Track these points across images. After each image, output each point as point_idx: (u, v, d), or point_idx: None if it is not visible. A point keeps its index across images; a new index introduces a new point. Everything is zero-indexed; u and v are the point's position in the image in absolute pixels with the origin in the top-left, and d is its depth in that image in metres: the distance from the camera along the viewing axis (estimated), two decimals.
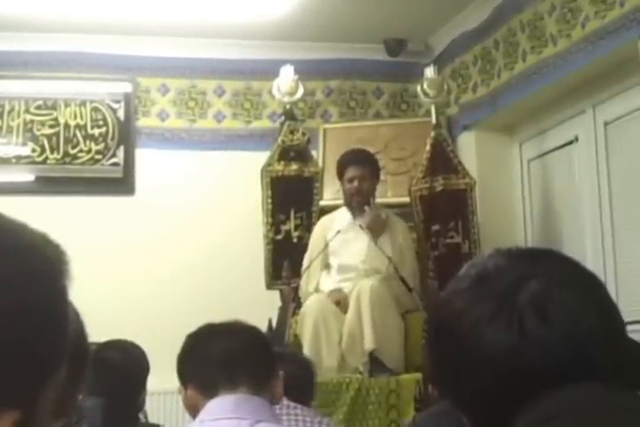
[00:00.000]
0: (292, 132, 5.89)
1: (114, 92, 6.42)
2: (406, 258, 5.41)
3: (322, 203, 5.90)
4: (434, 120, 5.81)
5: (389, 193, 6.07)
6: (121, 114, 6.40)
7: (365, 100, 6.76)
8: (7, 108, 6.26)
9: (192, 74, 6.51)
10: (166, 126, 6.49)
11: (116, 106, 6.40)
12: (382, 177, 5.78)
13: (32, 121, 6.29)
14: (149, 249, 6.22)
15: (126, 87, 6.42)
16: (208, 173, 6.40)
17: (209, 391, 2.13)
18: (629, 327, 1.10)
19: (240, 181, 6.22)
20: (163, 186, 6.36)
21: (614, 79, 4.97)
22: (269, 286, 5.70)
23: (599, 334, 1.02)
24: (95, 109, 6.37)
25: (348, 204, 5.48)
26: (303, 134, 5.91)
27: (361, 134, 6.30)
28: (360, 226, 5.33)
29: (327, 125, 6.52)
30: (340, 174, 5.51)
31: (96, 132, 6.35)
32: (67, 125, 6.32)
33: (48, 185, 6.27)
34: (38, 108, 6.31)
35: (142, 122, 6.45)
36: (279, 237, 5.75)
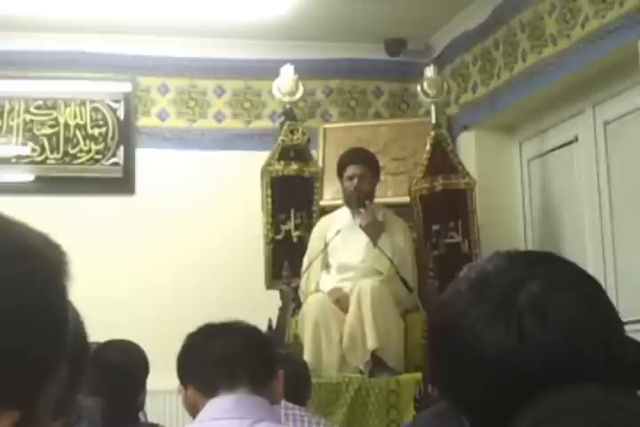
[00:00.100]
0: (292, 132, 5.89)
1: (114, 92, 6.42)
2: (406, 258, 5.41)
3: (322, 203, 5.90)
4: (434, 120, 5.82)
5: (389, 193, 6.07)
6: (121, 114, 6.40)
7: (365, 100, 6.76)
8: (7, 107, 6.26)
9: (192, 73, 6.51)
10: (166, 126, 6.49)
11: (115, 106, 6.40)
12: (382, 177, 5.78)
13: (32, 121, 6.29)
14: (149, 249, 6.22)
15: (126, 87, 6.43)
16: (208, 172, 6.40)
17: (209, 391, 2.13)
18: (629, 327, 1.10)
19: (240, 180, 6.22)
20: (163, 186, 6.36)
21: (614, 79, 4.97)
22: (269, 286, 5.70)
23: (598, 335, 1.03)
24: (95, 109, 6.37)
25: (348, 202, 5.48)
26: (303, 134, 5.91)
27: (361, 134, 6.30)
28: (360, 225, 5.33)
29: (327, 125, 6.52)
30: (340, 173, 5.51)
31: (96, 131, 6.35)
32: (67, 125, 6.32)
33: (48, 185, 6.27)
34: (38, 107, 6.31)
35: (142, 122, 6.46)
36: (279, 236, 5.75)
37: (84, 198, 6.25)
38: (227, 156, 6.44)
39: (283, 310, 5.38)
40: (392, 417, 4.94)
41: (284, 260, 5.63)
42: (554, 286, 1.05)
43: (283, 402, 2.92)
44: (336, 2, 5.88)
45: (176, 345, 2.27)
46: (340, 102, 6.72)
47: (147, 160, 6.39)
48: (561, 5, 5.08)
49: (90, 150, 6.34)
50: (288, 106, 6.02)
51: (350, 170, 5.45)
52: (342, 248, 5.39)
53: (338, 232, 5.34)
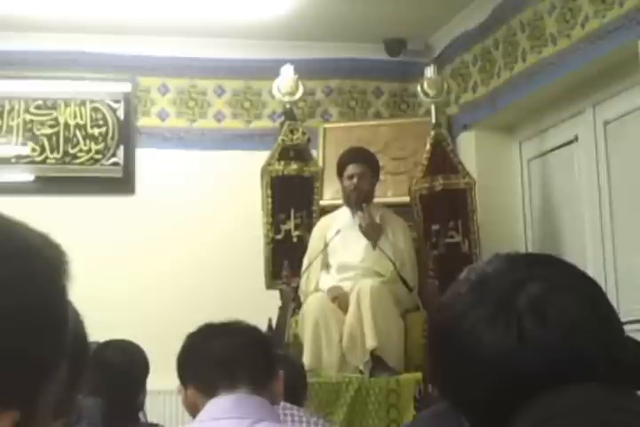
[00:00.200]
0: (291, 132, 5.89)
1: (114, 92, 6.42)
2: (406, 257, 5.41)
3: (322, 202, 5.90)
4: (434, 120, 5.82)
5: (389, 193, 6.07)
6: (121, 113, 6.40)
7: (365, 100, 6.76)
8: (7, 107, 6.26)
9: (192, 73, 6.51)
10: (166, 126, 6.49)
11: (115, 105, 6.40)
12: (382, 177, 5.78)
13: (32, 121, 6.29)
14: (149, 249, 6.23)
15: (126, 87, 6.43)
16: (208, 172, 6.41)
17: (209, 391, 2.13)
18: (629, 327, 1.10)
19: (240, 180, 6.22)
20: (163, 186, 6.36)
21: (614, 79, 4.97)
22: (269, 286, 5.70)
23: (598, 336, 1.03)
24: (95, 109, 6.37)
25: (347, 201, 5.48)
26: (303, 134, 5.91)
27: (361, 134, 6.30)
28: (359, 228, 5.33)
29: (327, 125, 6.52)
30: (340, 172, 5.51)
31: (96, 131, 6.35)
32: (66, 125, 6.32)
33: (48, 185, 6.27)
34: (38, 107, 6.31)
35: (142, 122, 6.46)
36: (279, 236, 5.75)
37: (84, 198, 6.25)
38: (227, 156, 6.44)
39: (283, 309, 5.38)
40: (392, 417, 4.94)
41: (284, 260, 5.63)
42: (554, 288, 1.05)
43: (281, 402, 2.92)
44: (336, 2, 5.88)
45: (176, 345, 2.27)
46: (340, 102, 6.72)
47: (147, 160, 6.39)
48: (561, 5, 5.08)
49: (90, 150, 6.34)
50: (288, 106, 6.02)
51: (350, 169, 5.45)
52: (342, 248, 5.39)
53: (338, 232, 5.34)
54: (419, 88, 5.89)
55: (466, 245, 5.59)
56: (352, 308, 5.14)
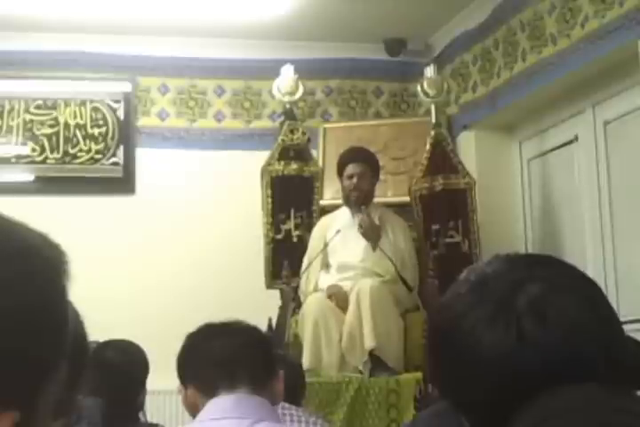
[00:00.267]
0: (291, 132, 5.89)
1: (114, 92, 6.42)
2: (407, 257, 5.42)
3: (322, 202, 5.90)
4: (434, 120, 5.82)
5: (389, 193, 6.07)
6: (121, 113, 6.40)
7: (365, 100, 6.76)
8: (7, 107, 6.26)
9: (192, 73, 6.51)
10: (166, 126, 6.50)
11: (115, 105, 6.40)
12: (382, 177, 5.78)
13: (32, 121, 6.29)
14: (149, 248, 6.23)
15: (126, 87, 6.43)
16: (208, 172, 6.41)
17: (209, 391, 2.13)
18: (629, 327, 1.10)
19: (240, 180, 6.22)
20: (163, 185, 6.36)
21: (614, 79, 4.97)
22: (269, 286, 5.70)
23: (597, 337, 1.03)
24: (95, 109, 6.37)
25: (347, 201, 5.48)
26: (303, 134, 5.91)
27: (361, 134, 6.30)
28: (359, 230, 5.32)
29: (327, 125, 6.52)
30: (340, 172, 5.52)
31: (96, 131, 6.35)
32: (66, 125, 6.32)
33: (48, 185, 6.27)
34: (38, 107, 6.31)
35: (142, 121, 6.46)
36: (279, 236, 5.75)
37: (84, 198, 6.25)
38: (227, 155, 6.45)
39: (283, 309, 5.38)
40: (392, 417, 4.95)
41: (284, 259, 5.64)
42: (554, 289, 1.05)
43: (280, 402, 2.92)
44: (336, 2, 5.88)
45: (176, 345, 2.27)
46: (340, 102, 6.72)
47: (147, 160, 6.39)
48: (561, 5, 5.08)
49: (90, 150, 6.34)
50: (288, 106, 6.02)
51: (350, 169, 5.45)
52: (342, 248, 5.39)
53: (338, 232, 5.34)
54: (419, 88, 5.90)
55: (466, 245, 5.59)
56: (352, 308, 5.14)
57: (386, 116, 6.74)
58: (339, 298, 5.22)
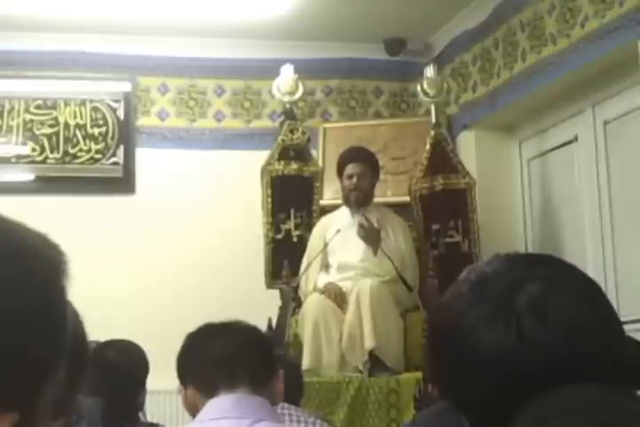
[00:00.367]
0: (291, 132, 5.89)
1: (113, 92, 6.42)
2: (407, 257, 5.42)
3: (322, 202, 5.90)
4: (433, 119, 5.82)
5: (389, 192, 6.07)
6: (121, 113, 6.40)
7: (365, 100, 6.76)
8: (7, 107, 6.26)
9: (192, 73, 6.51)
10: (166, 126, 6.49)
11: (115, 105, 6.40)
12: (382, 176, 5.79)
13: (32, 120, 6.29)
14: (149, 248, 6.23)
15: (126, 87, 6.43)
16: (208, 172, 6.41)
17: (209, 391, 2.13)
18: (629, 327, 1.10)
19: (240, 180, 6.22)
20: (163, 185, 6.36)
21: (614, 79, 4.97)
22: (269, 286, 5.70)
23: (598, 337, 1.02)
24: (95, 109, 6.37)
25: (347, 200, 5.49)
26: (303, 134, 5.91)
27: (361, 134, 6.30)
28: (359, 231, 5.31)
29: (327, 125, 6.52)
30: (340, 171, 5.52)
31: (96, 131, 6.35)
32: (66, 125, 6.32)
33: (48, 185, 6.27)
34: (38, 107, 6.31)
35: (142, 121, 6.46)
36: (279, 236, 5.75)
37: (84, 198, 6.25)
38: (227, 155, 6.44)
39: (283, 309, 5.38)
40: (392, 416, 4.95)
41: (284, 259, 5.64)
42: (554, 288, 1.05)
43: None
44: (336, 2, 5.88)
45: (176, 345, 2.27)
46: (339, 102, 6.72)
47: (147, 160, 6.39)
48: (561, 5, 5.09)
49: (90, 150, 6.34)
50: (288, 105, 6.02)
51: (350, 168, 5.46)
52: (342, 248, 5.40)
53: (338, 232, 5.34)
54: (418, 88, 5.90)
55: (466, 245, 5.59)
56: (352, 308, 5.14)
57: (386, 115, 6.74)
58: (333, 293, 5.22)
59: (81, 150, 6.33)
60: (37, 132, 6.29)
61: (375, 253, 5.29)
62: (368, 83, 6.76)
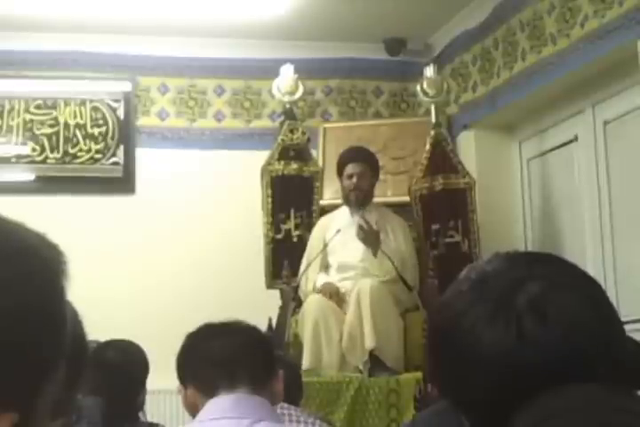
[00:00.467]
0: (291, 132, 5.89)
1: (113, 92, 6.42)
2: (407, 257, 5.42)
3: (322, 202, 5.90)
4: (433, 119, 5.82)
5: (389, 192, 6.07)
6: (121, 113, 6.40)
7: (365, 100, 6.76)
8: (7, 107, 6.26)
9: (192, 73, 6.51)
10: (166, 126, 6.49)
11: (115, 105, 6.40)
12: (382, 176, 5.79)
13: (32, 120, 6.29)
14: (149, 248, 6.23)
15: (126, 86, 6.43)
16: (208, 172, 6.41)
17: (209, 391, 2.13)
18: (629, 327, 1.10)
19: (240, 180, 6.22)
20: (163, 185, 6.36)
21: (614, 78, 4.97)
22: (269, 286, 5.70)
23: (598, 336, 1.02)
24: (95, 109, 6.37)
25: (347, 200, 5.49)
26: (303, 133, 5.91)
27: (361, 134, 6.30)
28: (358, 233, 5.31)
29: (327, 125, 6.52)
30: (340, 171, 5.52)
31: (96, 131, 6.35)
32: (66, 125, 6.32)
33: (48, 184, 6.27)
34: (38, 107, 6.31)
35: (142, 121, 6.46)
36: (279, 236, 5.75)
37: (84, 198, 6.25)
38: (227, 155, 6.44)
39: (283, 309, 5.38)
40: (392, 416, 4.95)
41: (284, 259, 5.64)
42: (554, 287, 1.04)
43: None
44: (336, 1, 5.88)
45: (176, 345, 2.27)
46: (339, 102, 6.72)
47: (147, 160, 6.39)
48: (560, 5, 5.09)
49: (90, 150, 6.34)
50: (288, 105, 6.02)
51: (350, 168, 5.46)
52: (341, 248, 5.40)
53: (338, 232, 5.34)
54: (418, 88, 5.90)
55: (466, 245, 5.59)
56: (352, 307, 5.15)
57: (386, 115, 6.74)
58: (329, 292, 5.22)
59: (81, 150, 6.33)
60: (37, 132, 6.29)
61: (375, 254, 5.29)
62: (368, 83, 6.76)
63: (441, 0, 5.91)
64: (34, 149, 6.27)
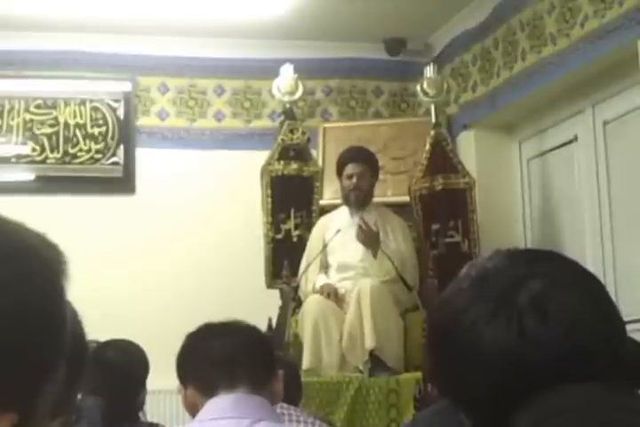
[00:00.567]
0: (291, 132, 5.89)
1: (113, 92, 6.42)
2: (406, 257, 5.42)
3: (322, 202, 5.90)
4: (433, 119, 5.82)
5: (389, 192, 6.07)
6: (121, 113, 6.40)
7: (365, 100, 6.76)
8: (7, 107, 6.26)
9: (192, 73, 6.51)
10: (166, 125, 6.49)
11: (115, 105, 6.40)
12: (382, 176, 5.79)
13: (32, 120, 6.29)
14: (149, 248, 6.23)
15: (126, 86, 6.43)
16: (208, 172, 6.40)
17: (208, 391, 2.13)
18: (629, 327, 1.10)
19: (240, 180, 6.22)
20: (163, 185, 6.36)
21: (613, 78, 4.97)
22: (269, 286, 5.70)
23: (599, 333, 1.02)
24: (95, 109, 6.37)
25: (346, 200, 5.49)
26: (303, 133, 5.91)
27: (361, 134, 6.30)
28: (358, 235, 5.30)
29: (327, 125, 6.52)
30: (340, 171, 5.52)
31: (96, 131, 6.35)
32: (66, 125, 6.32)
33: (48, 184, 6.27)
34: (38, 107, 6.31)
35: (142, 121, 6.46)
36: (279, 236, 5.75)
37: (84, 198, 6.25)
38: (227, 155, 6.44)
39: (283, 309, 5.38)
40: (392, 416, 4.95)
41: (284, 259, 5.63)
42: (555, 284, 1.04)
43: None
44: (336, 1, 5.88)
45: (176, 345, 2.27)
46: (339, 102, 6.72)
47: (147, 160, 6.39)
48: (560, 5, 5.09)
49: (90, 150, 6.34)
50: (288, 105, 6.02)
51: (349, 168, 5.46)
52: (341, 248, 5.40)
53: (338, 232, 5.34)
54: (418, 88, 5.90)
55: (466, 245, 5.59)
56: (352, 307, 5.15)
57: (386, 115, 6.74)
58: (327, 292, 5.23)
59: (81, 150, 6.33)
60: (37, 132, 6.29)
61: (375, 256, 5.29)
62: (368, 83, 6.76)
63: (441, 0, 5.91)
64: (34, 149, 6.27)
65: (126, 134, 6.38)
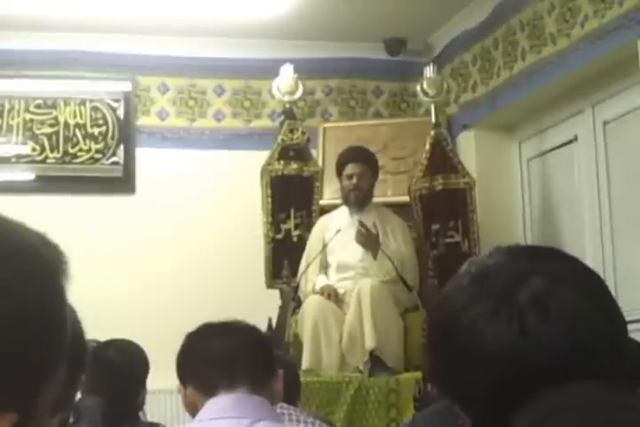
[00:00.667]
0: (291, 132, 5.89)
1: (113, 91, 6.42)
2: (406, 257, 5.42)
3: (322, 202, 5.90)
4: (433, 119, 5.82)
5: (389, 192, 6.07)
6: (121, 113, 6.40)
7: (365, 100, 6.76)
8: (7, 107, 6.26)
9: (192, 73, 6.51)
10: (166, 125, 6.49)
11: (115, 105, 6.40)
12: (382, 176, 5.79)
13: (32, 120, 6.29)
14: (149, 248, 6.22)
15: (126, 86, 6.43)
16: (208, 172, 6.40)
17: (208, 391, 2.13)
18: (629, 326, 1.10)
19: (240, 180, 6.22)
20: (163, 185, 6.36)
21: (613, 78, 4.97)
22: (269, 285, 5.70)
23: (600, 331, 1.02)
24: (95, 108, 6.37)
25: (346, 200, 5.49)
26: (303, 133, 5.91)
27: (360, 133, 6.30)
28: (357, 237, 5.30)
29: (327, 124, 6.52)
30: (339, 171, 5.52)
31: (96, 131, 6.35)
32: (66, 124, 6.32)
33: (48, 184, 6.27)
34: (38, 107, 6.31)
35: (142, 121, 6.46)
36: (279, 236, 5.75)
37: (84, 198, 6.25)
38: (227, 155, 6.44)
39: (283, 309, 5.38)
40: (392, 416, 4.95)
41: (284, 259, 5.64)
42: (556, 282, 1.03)
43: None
44: (336, 2, 5.88)
45: (176, 345, 2.27)
46: (339, 102, 6.72)
47: (147, 159, 6.39)
48: (560, 5, 5.09)
49: (90, 150, 6.34)
50: (288, 105, 6.02)
51: (349, 168, 5.46)
52: (341, 248, 5.40)
53: (338, 232, 5.34)
54: (418, 88, 5.90)
55: (466, 245, 5.59)
56: (352, 307, 5.15)
57: (385, 115, 6.74)
58: (327, 293, 5.23)
59: (81, 150, 6.33)
60: (37, 132, 6.29)
61: (375, 257, 5.29)
62: (368, 83, 6.76)
63: (441, 0, 5.91)
64: (34, 149, 6.27)
65: (126, 134, 6.38)
